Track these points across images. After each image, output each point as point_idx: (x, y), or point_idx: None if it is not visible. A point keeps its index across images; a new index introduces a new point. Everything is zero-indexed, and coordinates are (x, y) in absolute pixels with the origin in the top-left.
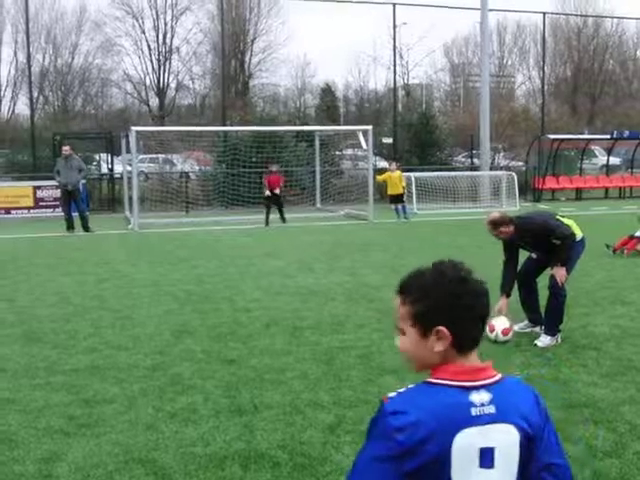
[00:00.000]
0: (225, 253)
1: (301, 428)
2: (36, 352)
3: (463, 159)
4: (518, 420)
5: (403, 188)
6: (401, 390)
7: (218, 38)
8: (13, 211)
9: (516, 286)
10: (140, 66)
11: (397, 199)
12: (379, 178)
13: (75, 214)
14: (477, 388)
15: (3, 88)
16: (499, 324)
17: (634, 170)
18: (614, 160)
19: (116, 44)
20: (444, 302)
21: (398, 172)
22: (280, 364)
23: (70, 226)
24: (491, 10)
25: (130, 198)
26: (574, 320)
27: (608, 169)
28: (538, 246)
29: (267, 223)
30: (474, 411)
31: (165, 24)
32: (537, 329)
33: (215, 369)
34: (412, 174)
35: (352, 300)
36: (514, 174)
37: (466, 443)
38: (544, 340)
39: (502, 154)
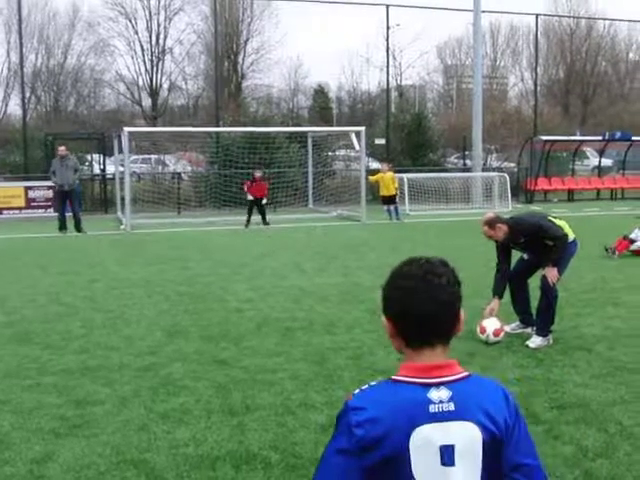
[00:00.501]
0: (217, 253)
1: (293, 428)
2: (27, 353)
3: (456, 160)
4: (480, 418)
5: (395, 189)
6: (364, 387)
7: (211, 39)
8: (5, 211)
9: (508, 287)
10: (133, 67)
11: (389, 200)
12: (371, 179)
13: (68, 214)
14: (437, 385)
15: None
16: (490, 325)
17: (626, 171)
18: (606, 161)
19: (109, 44)
20: (390, 294)
21: (390, 173)
22: (272, 365)
23: (62, 226)
24: (484, 12)
25: (122, 199)
26: (565, 321)
27: (600, 170)
28: (531, 247)
29: (248, 224)
30: (432, 408)
31: (158, 25)
32: (529, 330)
33: (207, 370)
34: (405, 175)
35: (344, 301)
36: (506, 175)
37: (424, 440)
38: (535, 341)
39: (494, 155)
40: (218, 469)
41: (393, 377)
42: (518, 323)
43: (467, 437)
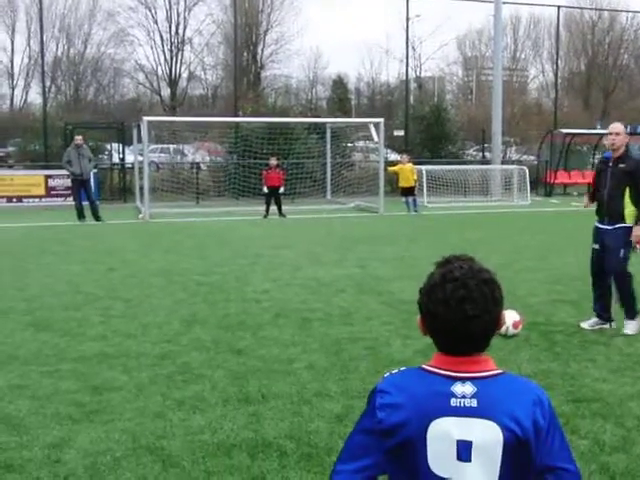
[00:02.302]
0: (235, 244)
1: (308, 418)
2: (46, 339)
3: (474, 153)
4: (503, 419)
5: (415, 181)
6: (394, 371)
7: (230, 29)
8: (25, 199)
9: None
10: (152, 56)
11: (408, 192)
12: (390, 170)
13: (85, 203)
14: (462, 380)
15: (16, 77)
16: (510, 317)
17: None
18: None
19: (129, 34)
20: (425, 308)
21: (410, 165)
22: (288, 354)
23: (81, 215)
24: (505, 3)
25: (141, 188)
26: (583, 315)
27: None
28: (617, 187)
29: (267, 214)
30: (453, 402)
31: (178, 15)
32: (607, 326)
33: (224, 359)
34: (423, 167)
35: (361, 292)
36: (526, 168)
37: (441, 432)
38: (629, 325)
39: (514, 148)
40: (234, 457)
41: (423, 365)
42: (596, 319)
43: (487, 436)
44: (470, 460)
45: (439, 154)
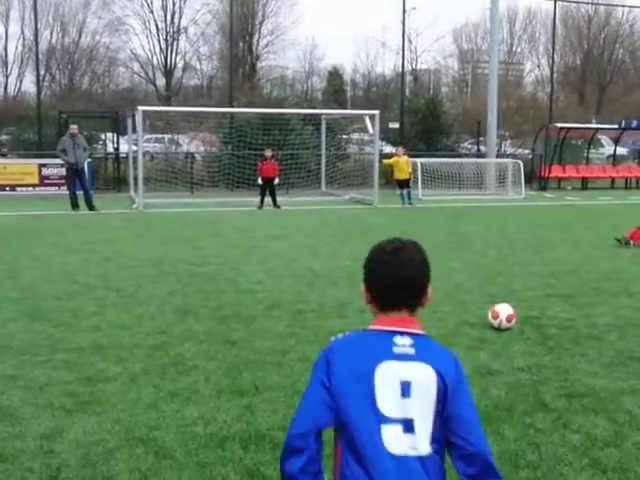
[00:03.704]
0: (229, 234)
1: None
2: (39, 330)
3: (469, 146)
4: (436, 364)
5: (410, 173)
6: (342, 334)
7: (226, 19)
8: (18, 188)
9: None
10: (147, 46)
11: (403, 184)
12: (385, 162)
13: (79, 192)
14: (401, 333)
15: (10, 65)
16: (503, 311)
17: None
18: (621, 150)
19: (124, 23)
20: (367, 265)
21: (405, 157)
22: (282, 346)
23: (75, 204)
24: None
25: (135, 178)
26: (577, 309)
27: (615, 159)
28: None
29: (261, 205)
30: (396, 349)
31: (173, 4)
32: None
33: (217, 350)
34: (418, 160)
35: (355, 284)
36: (520, 162)
37: (387, 373)
38: None
39: (509, 142)
40: (227, 448)
41: (366, 327)
42: None
43: (424, 376)
44: (410, 396)
45: (434, 147)
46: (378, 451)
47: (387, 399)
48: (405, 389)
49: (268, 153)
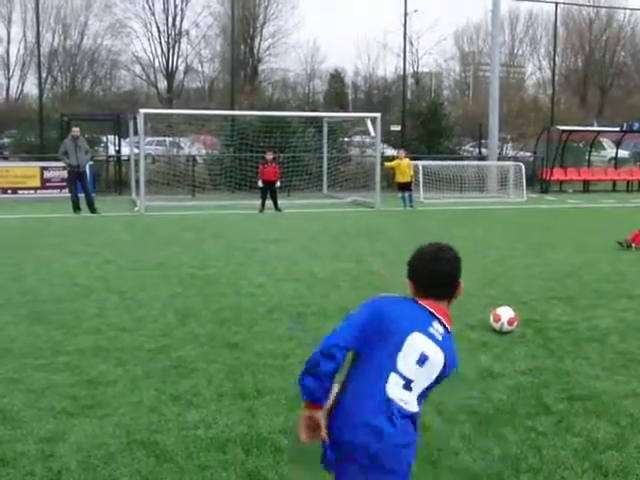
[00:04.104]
0: (231, 237)
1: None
2: (41, 332)
3: (471, 148)
4: (449, 358)
5: (411, 176)
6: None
7: (228, 22)
8: (20, 191)
9: None
10: (149, 48)
11: (405, 187)
12: (387, 165)
13: (81, 195)
14: (439, 321)
15: (12, 68)
16: (505, 314)
17: None
18: (623, 153)
19: (125, 26)
20: (413, 263)
21: (407, 160)
22: (283, 349)
23: (76, 207)
24: None
25: (137, 180)
26: (578, 312)
27: (616, 162)
28: None
29: (262, 209)
30: (431, 329)
31: (175, 6)
32: None
33: (218, 353)
34: (419, 162)
35: (356, 287)
36: (522, 165)
37: (417, 340)
38: None
39: (510, 144)
40: (228, 452)
41: (411, 298)
42: None
43: (438, 359)
44: (423, 367)
45: (436, 149)
46: (379, 388)
47: (407, 358)
48: (422, 359)
49: (269, 156)
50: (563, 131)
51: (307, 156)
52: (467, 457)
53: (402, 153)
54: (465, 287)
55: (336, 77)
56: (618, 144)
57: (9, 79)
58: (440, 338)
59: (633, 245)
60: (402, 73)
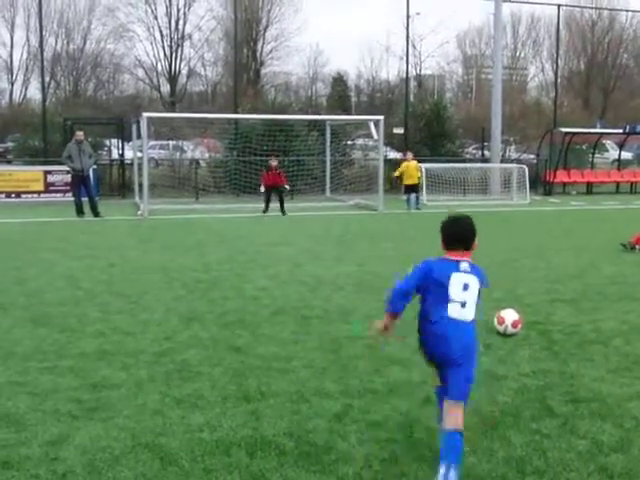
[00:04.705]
0: (234, 240)
1: (307, 416)
2: (45, 336)
3: (474, 151)
4: (479, 277)
5: (418, 178)
6: (432, 258)
7: (230, 25)
8: (24, 195)
9: None
10: (152, 52)
11: (412, 189)
12: (397, 172)
13: (85, 199)
14: (462, 261)
15: (15, 72)
16: (509, 316)
17: None
18: (626, 155)
19: (128, 30)
20: (441, 229)
21: (414, 162)
22: (287, 352)
23: (80, 211)
24: (505, 1)
25: (140, 184)
26: (582, 315)
27: (620, 164)
28: None
29: (266, 210)
30: (461, 267)
31: (178, 10)
32: None
33: (222, 356)
34: (423, 165)
35: (360, 290)
36: (525, 167)
37: (457, 278)
38: None
39: (513, 147)
40: (232, 455)
41: (441, 257)
42: None
43: (474, 282)
44: (467, 290)
45: (439, 152)
46: (443, 315)
47: (455, 290)
48: (465, 287)
49: (273, 163)
50: (566, 133)
51: (310, 159)
52: (472, 459)
53: (410, 155)
54: None
55: (339, 80)
56: (621, 146)
57: (12, 83)
58: (469, 269)
59: (637, 247)
60: (405, 76)
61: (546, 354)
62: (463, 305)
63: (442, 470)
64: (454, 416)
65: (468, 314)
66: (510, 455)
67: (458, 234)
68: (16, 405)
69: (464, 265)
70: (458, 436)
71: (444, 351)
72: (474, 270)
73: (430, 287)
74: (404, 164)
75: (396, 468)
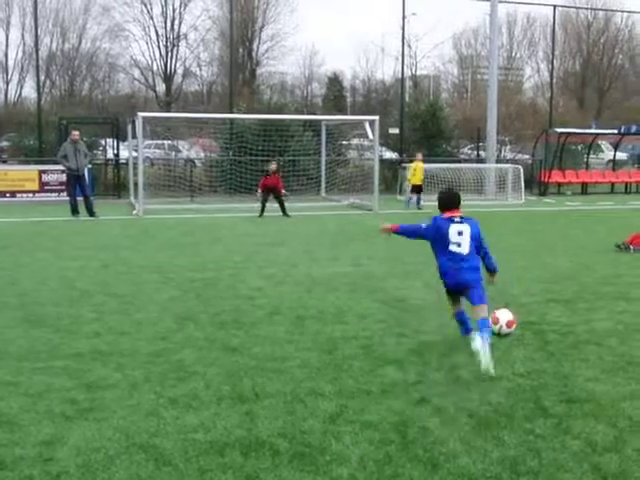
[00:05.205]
0: (229, 240)
1: (302, 417)
2: (39, 336)
3: (469, 151)
4: (470, 225)
5: (421, 180)
6: (437, 216)
7: (226, 25)
8: (19, 194)
9: None
10: (148, 52)
11: (419, 189)
12: (410, 174)
13: (80, 198)
14: (457, 216)
15: (10, 72)
16: (503, 316)
17: None
18: (621, 155)
19: (124, 29)
20: (439, 198)
21: (422, 163)
22: (282, 353)
23: (75, 210)
24: (501, 2)
25: (135, 184)
26: (577, 315)
27: (615, 164)
28: None
29: (261, 214)
30: (455, 219)
31: (173, 10)
32: None
33: (217, 356)
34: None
35: (355, 290)
36: (520, 167)
37: (453, 228)
38: None
39: (509, 147)
40: (226, 455)
41: (442, 216)
42: None
43: (466, 229)
44: (463, 235)
45: (434, 152)
46: (449, 250)
47: (453, 236)
48: (460, 233)
49: (273, 167)
50: (561, 134)
51: (305, 159)
52: (466, 459)
53: (420, 156)
54: None
55: (334, 80)
56: (616, 146)
57: (7, 83)
58: (461, 220)
59: (631, 247)
60: (400, 76)
61: (540, 354)
62: (459, 245)
63: (478, 333)
64: (481, 312)
65: (463, 250)
66: (504, 455)
67: (452, 197)
68: (9, 405)
69: (457, 218)
70: (486, 320)
71: (458, 280)
72: (466, 220)
73: (437, 237)
74: (415, 164)
75: (391, 469)
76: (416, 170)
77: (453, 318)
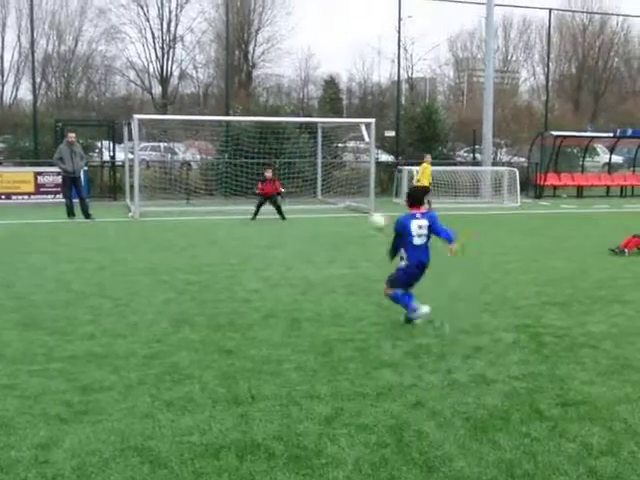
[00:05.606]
0: (225, 243)
1: (297, 419)
2: (34, 338)
3: (465, 154)
4: (429, 220)
5: (429, 181)
6: (402, 214)
7: (222, 27)
8: (14, 196)
9: None
10: (144, 54)
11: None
12: (418, 176)
13: (76, 200)
14: (420, 212)
15: (6, 73)
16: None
17: (636, 169)
18: (616, 158)
19: (120, 31)
20: (408, 195)
21: (430, 164)
22: (278, 355)
23: (71, 212)
24: (497, 5)
25: (131, 186)
26: (572, 318)
27: (610, 167)
28: None
29: (254, 217)
30: (417, 216)
31: (170, 12)
32: None
33: (213, 359)
34: (414, 168)
35: (351, 293)
36: (516, 170)
37: (415, 223)
38: None
39: (504, 150)
40: (222, 458)
41: (408, 213)
42: None
43: (425, 224)
44: (422, 229)
45: (430, 155)
46: (412, 242)
47: (415, 230)
48: (421, 227)
49: (268, 174)
50: (557, 137)
51: (301, 162)
52: (462, 463)
53: (429, 158)
54: (458, 292)
55: (330, 83)
56: (612, 150)
57: (3, 85)
58: (421, 217)
59: (626, 251)
60: (396, 79)
61: (536, 357)
62: (420, 237)
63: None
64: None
65: (422, 241)
66: (500, 458)
67: (417, 195)
68: (5, 408)
69: (419, 214)
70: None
71: (419, 263)
72: (424, 216)
73: (402, 232)
74: (424, 165)
75: (386, 472)
76: (426, 171)
77: (391, 298)
